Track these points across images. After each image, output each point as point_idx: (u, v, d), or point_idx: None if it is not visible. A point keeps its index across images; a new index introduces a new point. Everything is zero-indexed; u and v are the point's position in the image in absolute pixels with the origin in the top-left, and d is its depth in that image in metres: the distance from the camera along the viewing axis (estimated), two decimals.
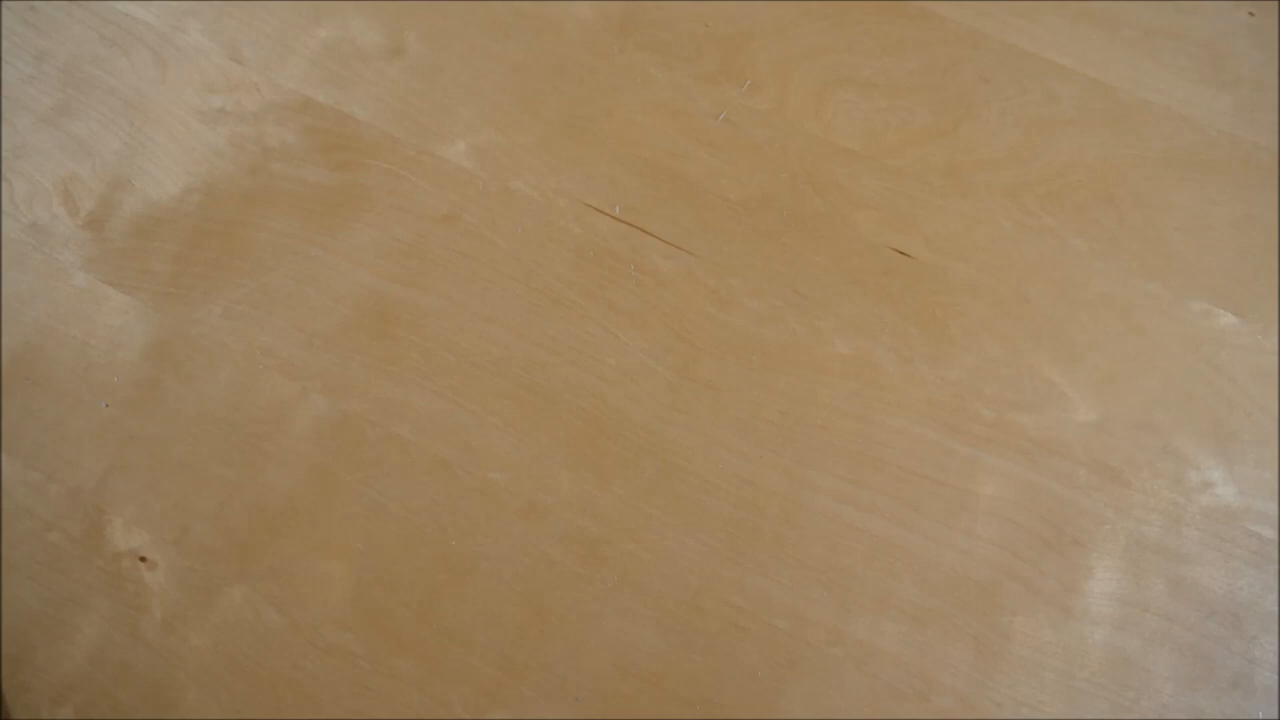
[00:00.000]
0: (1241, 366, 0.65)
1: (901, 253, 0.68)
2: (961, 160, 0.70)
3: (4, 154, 0.73)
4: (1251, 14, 0.74)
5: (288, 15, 0.76)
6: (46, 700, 0.61)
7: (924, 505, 0.62)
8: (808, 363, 0.66)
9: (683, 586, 0.61)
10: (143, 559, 0.63)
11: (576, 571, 0.62)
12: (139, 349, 0.68)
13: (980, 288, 0.67)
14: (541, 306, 0.68)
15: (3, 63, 0.76)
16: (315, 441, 0.65)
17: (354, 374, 0.66)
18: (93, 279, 0.70)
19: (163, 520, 0.64)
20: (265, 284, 0.69)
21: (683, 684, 0.59)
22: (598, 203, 0.70)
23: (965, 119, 0.72)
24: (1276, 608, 0.60)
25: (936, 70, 0.73)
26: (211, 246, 0.70)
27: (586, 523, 0.63)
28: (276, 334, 0.68)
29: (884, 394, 0.65)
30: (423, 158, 0.72)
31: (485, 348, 0.67)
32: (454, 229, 0.70)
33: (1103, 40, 0.73)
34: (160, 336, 0.68)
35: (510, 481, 0.64)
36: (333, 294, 0.68)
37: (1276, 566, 0.60)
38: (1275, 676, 0.58)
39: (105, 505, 0.64)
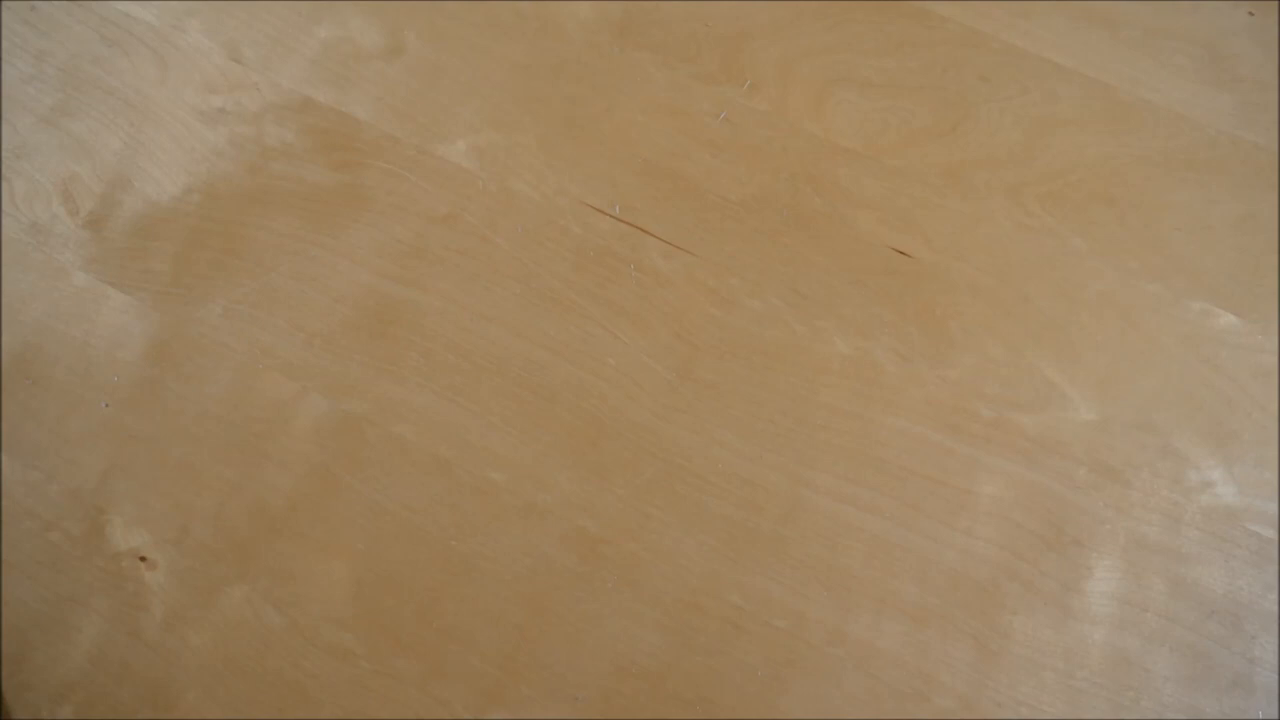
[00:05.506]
0: (1241, 366, 0.65)
1: (901, 253, 0.68)
2: (961, 160, 0.70)
3: (4, 154, 0.73)
4: (1251, 14, 0.74)
5: (288, 15, 0.76)
6: (46, 700, 0.61)
7: (924, 505, 0.62)
8: (808, 363, 0.66)
9: (683, 586, 0.61)
10: (143, 559, 0.63)
11: (576, 571, 0.62)
12: (139, 349, 0.68)
13: (980, 288, 0.67)
14: (541, 306, 0.68)
15: (3, 63, 0.76)
16: (315, 441, 0.65)
17: (354, 374, 0.66)
18: (93, 279, 0.70)
19: (163, 520, 0.64)
20: (265, 284, 0.69)
21: (683, 684, 0.59)
22: (598, 203, 0.70)
23: (965, 119, 0.72)
24: (1276, 608, 0.60)
25: (936, 70, 0.73)
26: (211, 246, 0.70)
27: (586, 523, 0.63)
28: (276, 334, 0.68)
29: (884, 394, 0.65)
30: (423, 158, 0.72)
31: (485, 348, 0.67)
32: (454, 229, 0.70)
33: (1103, 40, 0.73)
34: (160, 336, 0.68)
35: (510, 481, 0.64)
36: (333, 294, 0.68)
37: (1276, 566, 0.60)
38: (1275, 676, 0.58)
39: (105, 505, 0.64)
